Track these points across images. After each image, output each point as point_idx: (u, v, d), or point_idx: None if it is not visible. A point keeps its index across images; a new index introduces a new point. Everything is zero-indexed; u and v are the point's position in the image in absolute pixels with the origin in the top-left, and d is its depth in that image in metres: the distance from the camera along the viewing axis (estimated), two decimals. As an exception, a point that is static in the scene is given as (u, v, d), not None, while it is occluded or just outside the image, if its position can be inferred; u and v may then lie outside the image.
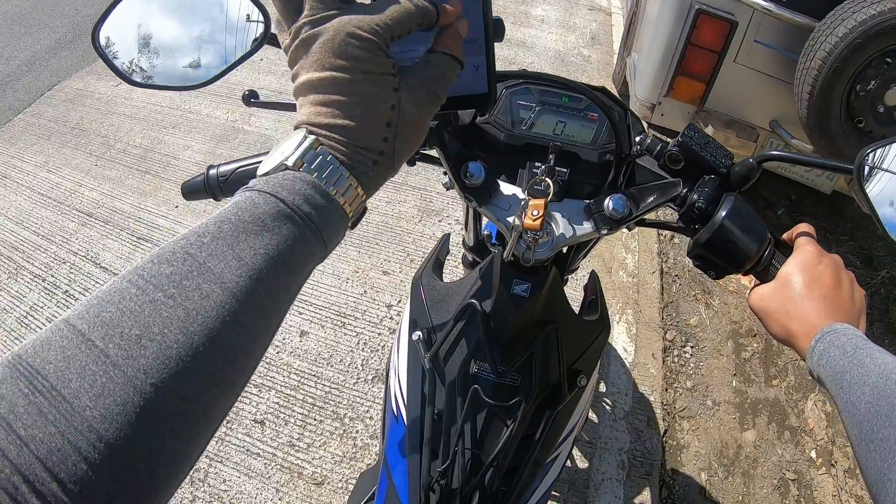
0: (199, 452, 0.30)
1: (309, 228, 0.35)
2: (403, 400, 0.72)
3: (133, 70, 0.55)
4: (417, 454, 0.67)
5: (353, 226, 0.41)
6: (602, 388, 1.77)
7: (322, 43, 0.37)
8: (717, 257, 0.58)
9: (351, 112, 0.38)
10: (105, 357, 0.27)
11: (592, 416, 1.73)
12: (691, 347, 1.99)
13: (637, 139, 0.66)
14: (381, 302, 1.98)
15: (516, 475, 0.66)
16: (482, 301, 0.67)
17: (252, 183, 0.36)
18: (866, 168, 0.53)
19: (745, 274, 0.59)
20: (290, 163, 0.36)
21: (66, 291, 2.07)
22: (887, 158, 0.53)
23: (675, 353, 1.98)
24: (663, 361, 1.92)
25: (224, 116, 2.89)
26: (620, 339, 1.95)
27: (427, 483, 0.65)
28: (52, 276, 2.13)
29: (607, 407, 1.74)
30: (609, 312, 0.82)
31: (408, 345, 0.74)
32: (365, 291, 2.01)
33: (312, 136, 0.37)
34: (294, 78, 0.39)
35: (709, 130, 2.20)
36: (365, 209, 0.42)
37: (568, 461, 0.83)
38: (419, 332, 0.71)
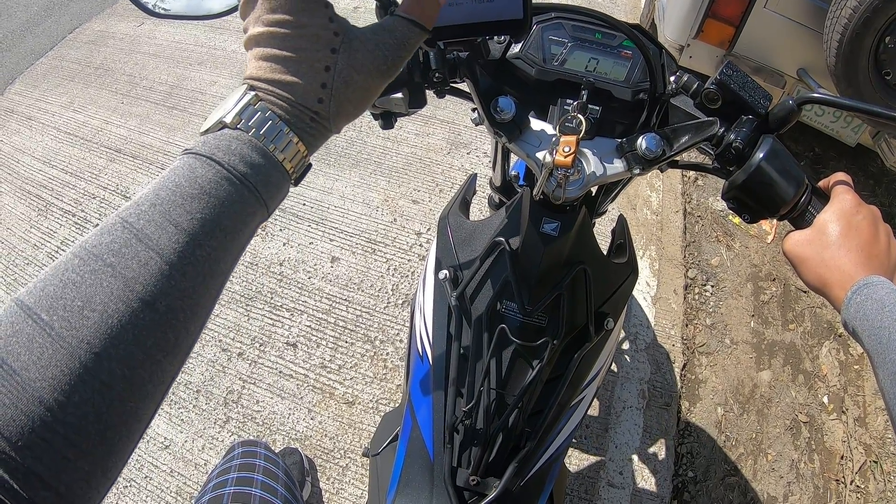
0: (152, 412, 0.32)
1: (247, 189, 0.35)
2: (429, 339, 0.71)
3: (157, 3, 0.56)
4: (442, 394, 0.67)
5: (297, 182, 0.40)
6: (625, 346, 1.79)
7: None
8: (752, 200, 0.56)
9: (289, 67, 0.37)
10: (50, 329, 0.28)
11: (613, 366, 1.76)
12: (712, 287, 2.02)
13: (672, 78, 0.63)
14: (410, 230, 2.01)
15: (540, 417, 0.66)
16: (510, 239, 0.65)
17: (192, 144, 0.36)
18: None
19: (781, 219, 0.57)
20: (227, 120, 0.36)
21: (97, 225, 2.10)
22: None
23: (696, 290, 2.01)
24: (684, 298, 1.96)
25: (249, 54, 2.88)
26: (644, 273, 1.98)
27: (451, 423, 0.64)
28: (83, 211, 2.17)
29: (627, 358, 1.78)
30: (635, 251, 0.81)
31: (434, 284, 0.73)
32: (395, 219, 2.04)
33: (252, 93, 0.37)
34: (245, 31, 0.39)
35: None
36: (309, 166, 0.41)
37: (590, 409, 0.83)
38: (445, 271, 0.70)
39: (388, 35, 0.40)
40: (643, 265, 1.99)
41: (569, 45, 0.66)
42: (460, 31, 0.46)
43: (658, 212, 2.18)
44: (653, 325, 1.85)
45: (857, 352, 1.91)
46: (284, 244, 1.96)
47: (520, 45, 0.67)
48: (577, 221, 0.63)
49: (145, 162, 2.32)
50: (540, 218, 0.62)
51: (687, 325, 1.91)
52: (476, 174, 0.96)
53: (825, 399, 1.84)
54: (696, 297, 2.00)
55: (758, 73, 2.21)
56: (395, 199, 2.11)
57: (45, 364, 0.27)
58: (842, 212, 0.52)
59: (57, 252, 2.04)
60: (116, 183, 2.25)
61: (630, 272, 0.75)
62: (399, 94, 0.63)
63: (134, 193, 2.20)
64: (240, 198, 0.34)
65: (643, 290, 1.92)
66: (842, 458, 1.71)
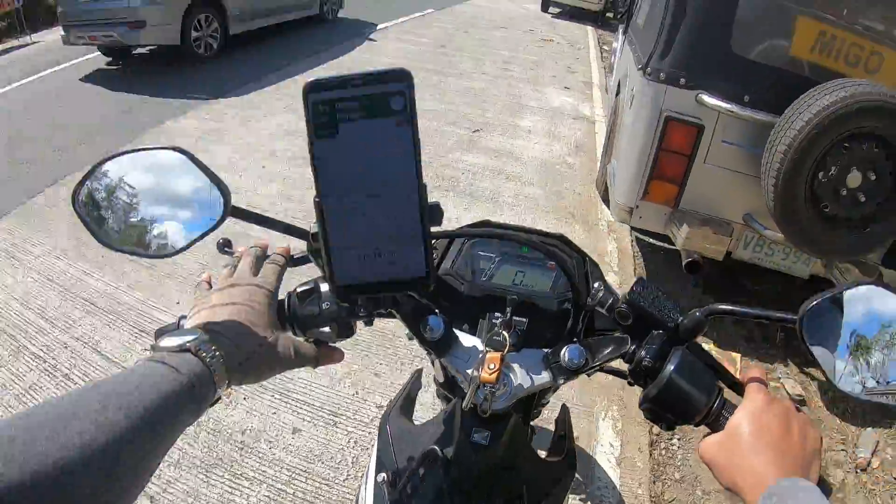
0: None
1: (193, 398, 0.46)
2: None
3: (107, 233, 0.58)
4: None
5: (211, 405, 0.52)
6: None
7: None
8: (667, 411, 0.58)
9: (232, 336, 0.54)
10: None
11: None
12: (678, 440, 2.02)
13: (593, 288, 0.68)
14: (371, 402, 2.03)
15: None
16: (445, 447, 0.67)
17: (151, 354, 0.49)
18: (806, 321, 0.55)
19: (697, 425, 0.58)
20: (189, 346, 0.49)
21: (67, 375, 2.11)
22: (825, 311, 0.55)
23: (662, 446, 2.00)
24: (650, 454, 1.95)
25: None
26: (606, 435, 1.98)
27: None
28: (53, 358, 2.18)
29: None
30: (574, 444, 0.84)
31: (374, 485, 0.74)
32: (356, 392, 2.07)
33: (207, 335, 0.51)
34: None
35: (684, 230, 2.30)
36: (218, 398, 0.52)
37: None
38: (384, 474, 0.71)
39: (299, 356, 0.57)
40: (606, 426, 2.00)
41: (496, 259, 0.72)
42: (368, 289, 0.49)
43: (620, 367, 2.21)
44: (618, 486, 1.82)
45: None
46: (248, 412, 1.96)
47: (451, 260, 0.72)
48: (507, 429, 0.65)
49: (119, 318, 2.38)
50: (471, 428, 0.65)
51: (654, 482, 1.89)
52: (421, 369, 0.99)
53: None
54: (663, 452, 1.99)
55: (706, 224, 2.31)
56: (357, 371, 2.15)
57: None
58: (752, 413, 0.53)
59: (24, 395, 2.01)
60: (89, 335, 2.28)
61: (567, 469, 0.77)
62: (327, 329, 0.66)
63: (105, 349, 2.22)
64: (186, 401, 0.45)
65: (606, 452, 1.92)
66: None
